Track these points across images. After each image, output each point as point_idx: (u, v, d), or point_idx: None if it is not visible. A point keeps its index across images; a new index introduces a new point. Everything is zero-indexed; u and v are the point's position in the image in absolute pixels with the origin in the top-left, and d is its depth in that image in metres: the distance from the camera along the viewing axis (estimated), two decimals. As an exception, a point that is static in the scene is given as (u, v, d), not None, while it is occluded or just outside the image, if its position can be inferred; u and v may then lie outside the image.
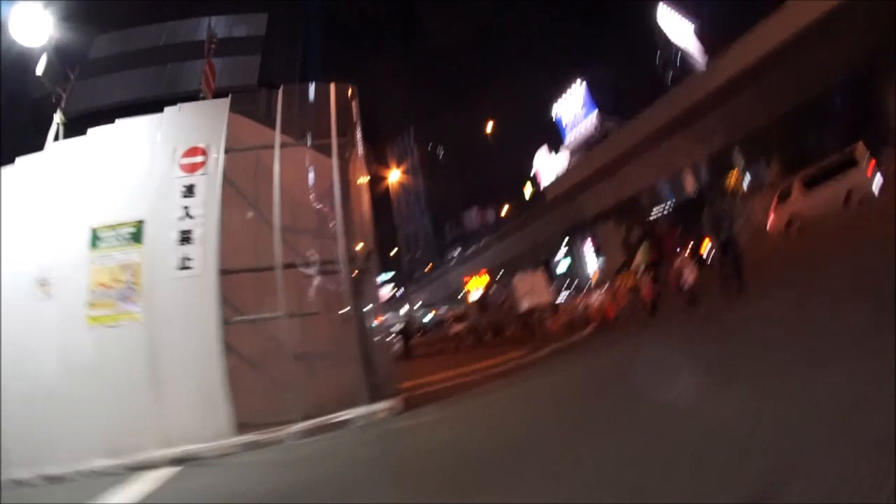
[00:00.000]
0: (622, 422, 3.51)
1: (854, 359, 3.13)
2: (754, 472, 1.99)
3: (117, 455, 5.53)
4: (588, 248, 67.86)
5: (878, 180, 19.11)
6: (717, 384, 3.74)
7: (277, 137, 6.94)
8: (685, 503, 1.91)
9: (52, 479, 5.53)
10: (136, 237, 6.28)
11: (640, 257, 13.03)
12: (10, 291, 6.18)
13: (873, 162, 19.53)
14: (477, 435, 4.68)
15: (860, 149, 19.97)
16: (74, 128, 7.51)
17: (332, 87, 7.57)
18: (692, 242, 25.16)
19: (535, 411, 5.16)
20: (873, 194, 18.84)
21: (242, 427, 5.79)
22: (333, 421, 6.05)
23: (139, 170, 6.66)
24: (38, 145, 7.33)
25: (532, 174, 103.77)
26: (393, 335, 29.40)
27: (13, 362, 5.88)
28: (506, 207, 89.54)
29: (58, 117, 8.55)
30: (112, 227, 6.34)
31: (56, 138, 8.00)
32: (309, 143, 7.47)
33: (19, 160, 7.03)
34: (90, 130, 7.05)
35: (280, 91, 7.28)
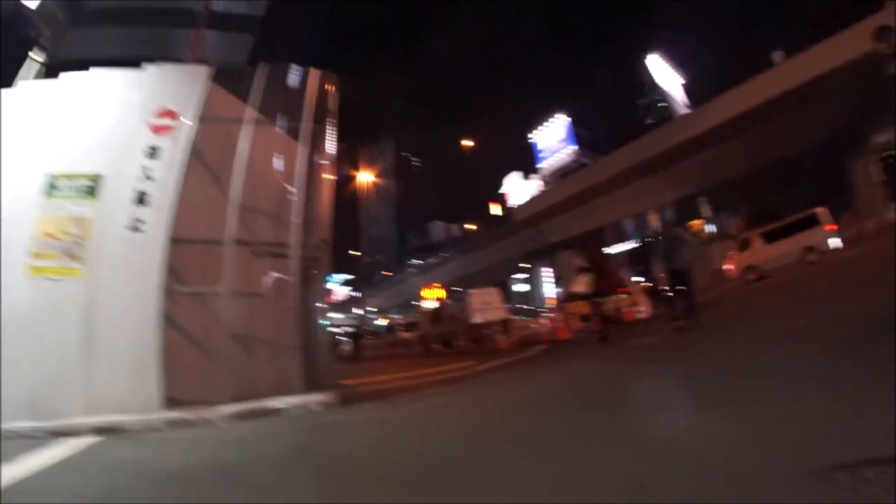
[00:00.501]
0: (562, 437, 3.46)
1: (810, 393, 3.16)
2: (700, 494, 1.96)
3: (39, 417, 5.29)
4: (547, 272, 68.56)
5: (835, 241, 20.52)
6: (669, 406, 3.74)
7: (249, 113, 6.81)
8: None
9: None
10: (92, 191, 6.08)
11: (583, 287, 13.25)
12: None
13: (834, 226, 20.95)
14: (409, 437, 4.60)
15: (822, 211, 21.70)
16: (54, 74, 7.26)
17: (315, 72, 7.48)
18: (647, 278, 25.70)
19: (472, 420, 5.09)
20: (830, 252, 20.53)
21: (171, 402, 5.62)
22: (265, 407, 5.91)
23: (106, 123, 6.47)
24: (9, 82, 7.07)
25: (502, 195, 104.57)
26: (343, 335, 29.26)
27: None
28: (472, 224, 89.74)
29: (38, 56, 8.29)
30: (70, 176, 6.13)
31: (33, 77, 7.75)
32: (281, 124, 7.37)
33: None
34: (63, 75, 6.84)
35: (261, 68, 7.15)
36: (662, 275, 10.39)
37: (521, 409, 5.23)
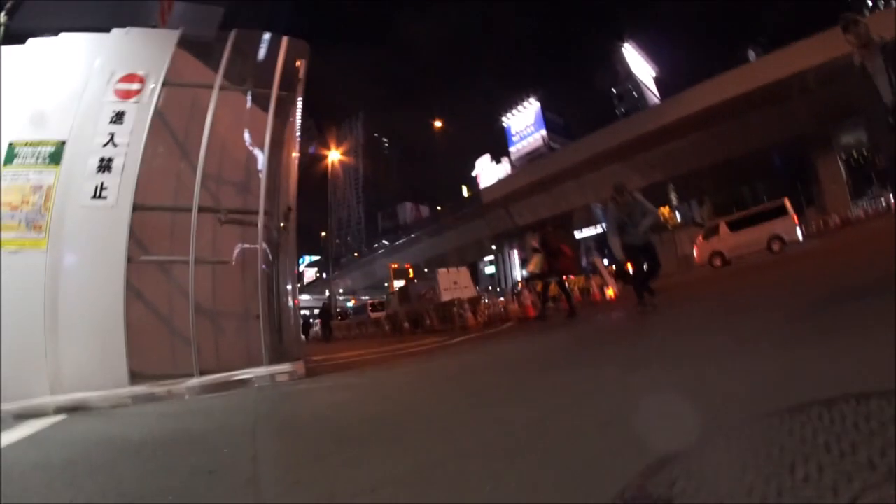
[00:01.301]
0: (522, 391, 3.49)
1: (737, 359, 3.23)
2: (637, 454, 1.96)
3: (5, 400, 5.07)
4: (514, 254, 69.06)
5: (799, 231, 21.24)
6: (633, 363, 3.78)
7: (216, 79, 6.64)
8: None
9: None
10: (55, 158, 5.90)
11: (532, 267, 13.63)
12: None
13: (796, 217, 21.61)
14: (375, 398, 4.64)
15: (787, 202, 22.34)
16: (21, 41, 6.99)
17: (285, 39, 7.34)
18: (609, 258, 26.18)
19: (437, 382, 5.12)
20: (798, 241, 21.18)
21: (136, 377, 5.51)
22: (231, 379, 5.85)
23: (72, 88, 6.28)
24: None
25: (472, 178, 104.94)
26: (311, 316, 29.11)
27: None
28: (440, 206, 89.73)
29: (1, 17, 7.97)
30: (31, 143, 5.93)
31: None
32: (250, 89, 7.22)
33: None
34: (30, 41, 6.60)
35: (232, 34, 6.98)
36: (618, 250, 8.91)
37: (484, 371, 5.31)
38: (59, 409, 5.09)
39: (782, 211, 22.19)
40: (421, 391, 4.61)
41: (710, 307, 7.73)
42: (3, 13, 8.00)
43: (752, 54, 47.62)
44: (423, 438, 2.63)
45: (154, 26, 11.27)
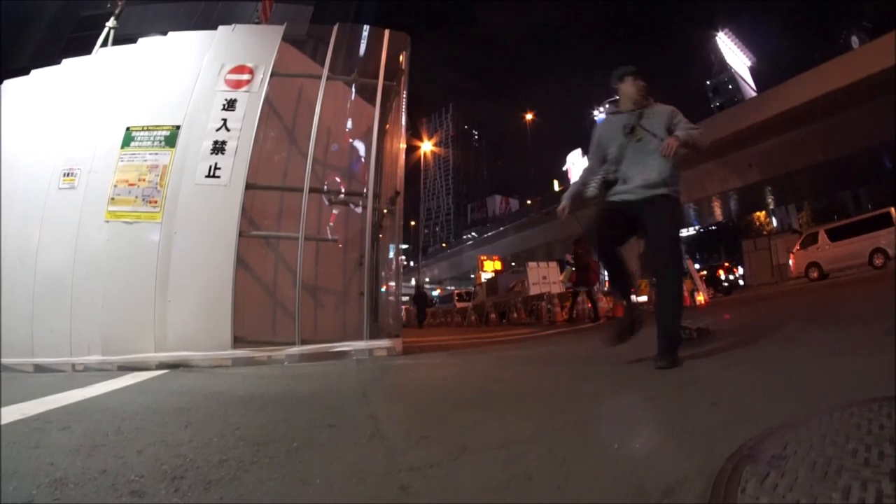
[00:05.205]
0: (626, 381, 3.49)
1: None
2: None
3: (111, 353, 5.62)
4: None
5: None
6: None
7: (325, 68, 6.92)
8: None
9: (42, 369, 5.65)
10: (170, 141, 6.31)
11: (563, 279, 14.76)
12: (33, 181, 6.31)
13: None
14: (476, 375, 4.74)
15: (893, 212, 20.37)
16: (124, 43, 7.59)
17: (387, 32, 7.54)
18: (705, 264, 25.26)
19: (538, 366, 5.22)
20: None
21: (239, 342, 5.85)
22: (331, 350, 6.10)
23: (184, 81, 6.68)
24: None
25: (563, 172, 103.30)
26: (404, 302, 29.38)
27: (26, 250, 6.02)
28: (530, 200, 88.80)
29: (110, 23, 8.62)
30: (147, 128, 6.39)
31: (105, 44, 8.09)
32: (355, 79, 7.47)
33: (65, 61, 7.12)
34: (141, 40, 7.12)
35: (335, 28, 7.24)
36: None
37: (582, 359, 5.36)
38: (161, 365, 5.50)
39: (887, 221, 20.20)
40: (522, 371, 4.74)
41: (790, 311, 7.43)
42: (112, 19, 8.72)
43: (855, 41, 43.92)
44: (538, 409, 2.74)
45: (257, 23, 11.91)
